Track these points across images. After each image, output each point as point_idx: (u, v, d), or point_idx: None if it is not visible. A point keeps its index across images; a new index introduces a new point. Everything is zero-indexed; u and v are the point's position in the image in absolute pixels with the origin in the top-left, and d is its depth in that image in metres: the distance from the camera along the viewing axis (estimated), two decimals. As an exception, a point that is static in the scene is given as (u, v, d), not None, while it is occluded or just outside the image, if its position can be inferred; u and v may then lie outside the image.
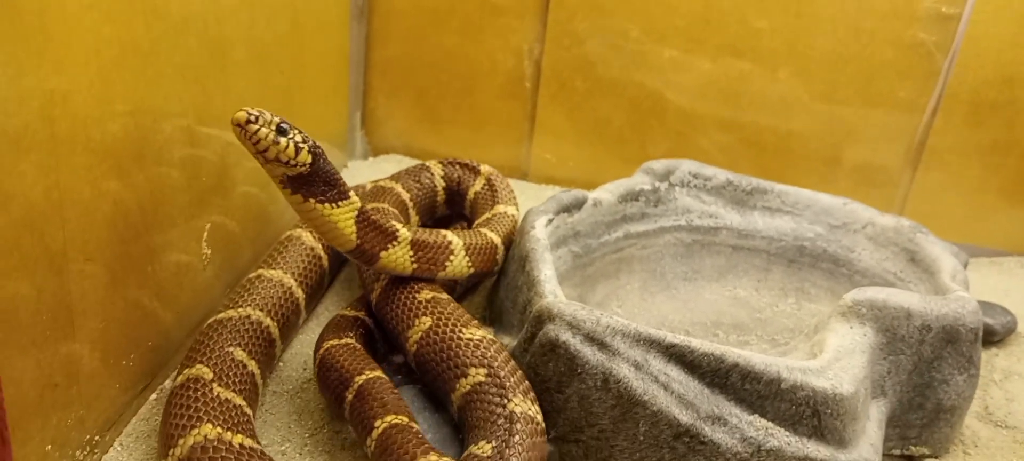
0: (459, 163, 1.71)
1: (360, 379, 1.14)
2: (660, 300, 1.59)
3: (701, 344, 1.11)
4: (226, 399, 1.04)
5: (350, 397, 1.13)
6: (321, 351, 1.22)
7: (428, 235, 1.30)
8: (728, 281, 1.65)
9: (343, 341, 1.23)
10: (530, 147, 2.09)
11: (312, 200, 1.10)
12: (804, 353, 1.25)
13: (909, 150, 1.94)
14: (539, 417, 1.11)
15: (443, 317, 1.21)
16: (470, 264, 1.34)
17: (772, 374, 1.10)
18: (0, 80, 0.82)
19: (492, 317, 1.48)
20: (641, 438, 1.10)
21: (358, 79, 2.03)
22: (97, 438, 1.07)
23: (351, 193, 1.16)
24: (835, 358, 1.16)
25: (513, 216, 1.51)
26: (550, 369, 1.15)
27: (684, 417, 1.08)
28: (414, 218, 1.69)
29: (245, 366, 1.12)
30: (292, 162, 1.04)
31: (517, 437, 1.05)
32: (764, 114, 1.96)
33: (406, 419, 1.07)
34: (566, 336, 1.13)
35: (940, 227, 1.98)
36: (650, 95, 1.98)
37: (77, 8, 0.93)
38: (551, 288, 1.23)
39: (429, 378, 1.21)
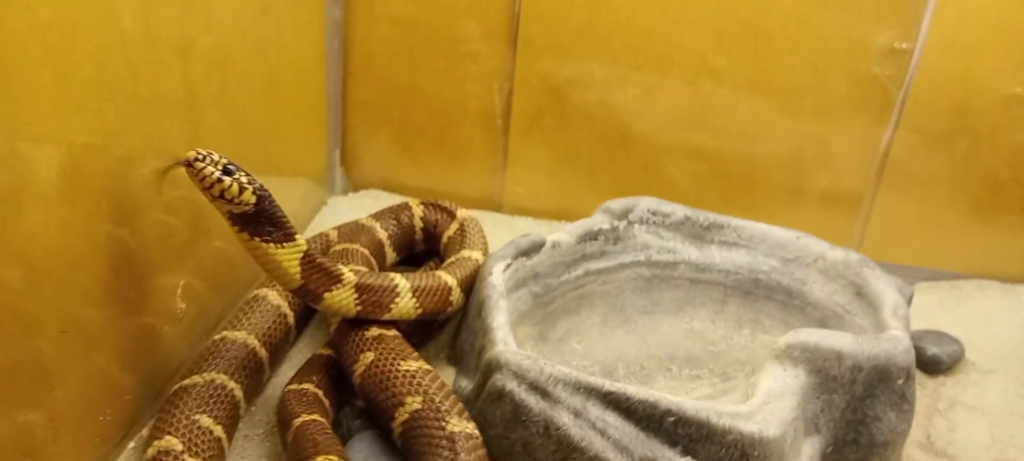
0: (438, 206, 1.82)
1: (297, 422, 1.24)
2: (619, 334, 1.67)
3: (636, 391, 1.19)
4: None
5: (289, 438, 1.24)
6: (281, 395, 1.33)
7: (373, 278, 1.39)
8: (686, 313, 1.73)
9: (300, 386, 1.34)
10: (503, 180, 2.17)
11: (257, 239, 1.22)
12: (742, 393, 1.33)
13: (869, 177, 2.01)
14: (477, 433, 1.22)
15: (384, 351, 1.32)
16: (417, 305, 1.43)
17: (702, 419, 1.18)
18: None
19: (454, 358, 1.56)
20: (580, 481, 1.18)
21: (336, 119, 2.12)
22: (76, 489, 1.17)
23: (298, 236, 1.27)
24: (764, 401, 1.23)
25: (476, 260, 1.59)
26: (497, 416, 1.23)
27: (619, 461, 1.16)
28: (391, 255, 1.80)
29: (211, 432, 1.20)
30: (236, 200, 1.16)
31: (462, 455, 1.16)
32: (728, 143, 2.03)
33: (337, 459, 1.16)
34: (512, 385, 1.21)
35: (901, 251, 2.07)
36: (617, 128, 2.06)
37: (49, 98, 1.02)
38: (502, 336, 1.31)
39: (373, 411, 1.32)
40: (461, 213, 1.79)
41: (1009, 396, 1.61)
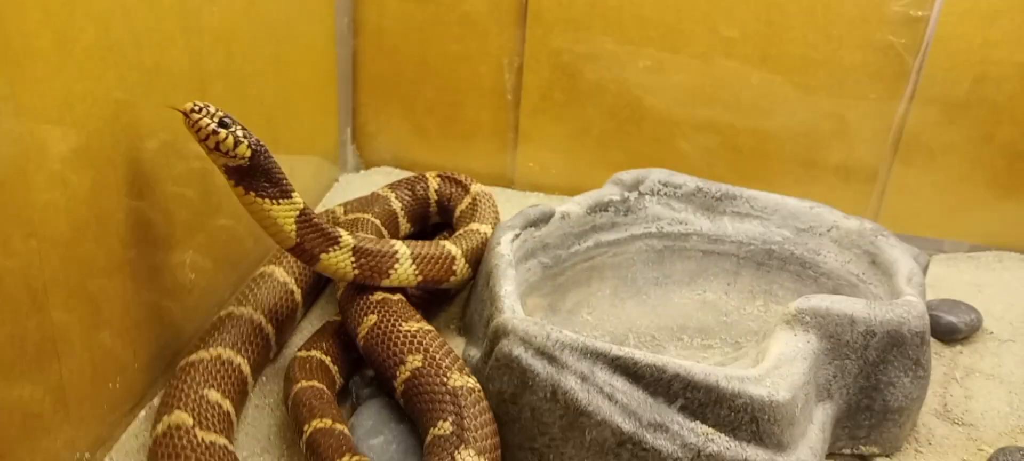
0: (454, 178, 1.82)
1: (296, 387, 1.26)
2: (630, 305, 1.66)
3: (644, 355, 1.18)
4: (210, 443, 1.13)
5: (289, 405, 1.26)
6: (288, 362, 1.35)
7: (372, 243, 1.39)
8: (698, 285, 1.71)
9: (307, 353, 1.36)
10: (515, 156, 2.16)
11: (252, 194, 1.23)
12: (752, 359, 1.31)
13: (884, 148, 1.98)
14: (478, 387, 1.23)
15: (387, 314, 1.33)
16: (417, 272, 1.43)
17: (711, 383, 1.16)
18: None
19: (464, 328, 1.56)
20: (588, 445, 1.17)
21: (347, 96, 2.12)
22: (87, 456, 1.17)
23: (295, 194, 1.28)
24: (774, 366, 1.22)
25: (484, 234, 1.58)
26: (505, 382, 1.23)
27: (627, 425, 1.15)
28: (405, 225, 1.80)
29: (221, 406, 1.21)
30: (231, 153, 1.17)
31: (467, 408, 1.18)
32: (740, 117, 2.01)
33: (330, 422, 1.17)
34: (519, 351, 1.21)
35: (918, 223, 2.04)
36: (628, 103, 2.04)
37: (50, 63, 1.02)
38: (510, 304, 1.31)
39: (377, 373, 1.33)
40: (475, 187, 1.79)
41: (1028, 365, 1.58)
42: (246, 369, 1.31)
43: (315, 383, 1.26)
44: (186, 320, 1.41)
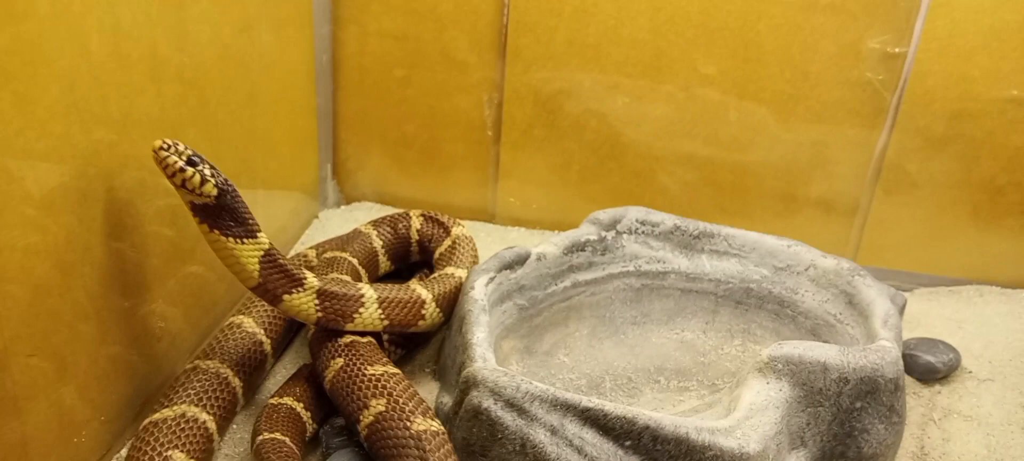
0: (436, 219, 1.83)
1: (258, 440, 1.26)
2: (607, 346, 1.65)
3: (614, 408, 1.18)
4: None
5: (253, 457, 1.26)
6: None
7: (337, 286, 1.39)
8: (676, 324, 1.71)
9: (279, 401, 1.36)
10: (495, 190, 2.16)
11: (217, 232, 1.23)
12: (725, 407, 1.31)
13: (864, 184, 1.98)
14: (442, 430, 1.22)
15: (353, 358, 1.34)
16: (383, 317, 1.43)
17: (681, 435, 1.16)
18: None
19: (438, 372, 1.55)
20: (557, 500, 1.17)
21: (327, 131, 2.12)
22: (51, 512, 1.16)
23: (261, 235, 1.28)
24: (746, 416, 1.21)
25: (459, 278, 1.57)
26: (474, 433, 1.22)
27: (596, 480, 1.15)
28: (385, 264, 1.79)
29: None
30: (198, 191, 1.18)
31: (431, 452, 1.17)
32: (720, 151, 2.01)
33: None
34: (488, 403, 1.20)
35: (899, 257, 2.04)
36: (608, 138, 2.04)
37: (11, 124, 1.02)
38: (481, 353, 1.30)
39: (343, 416, 1.33)
40: (456, 230, 1.79)
41: (1007, 405, 1.57)
42: (212, 426, 1.29)
43: (277, 435, 1.25)
44: (155, 370, 1.40)
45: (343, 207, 2.20)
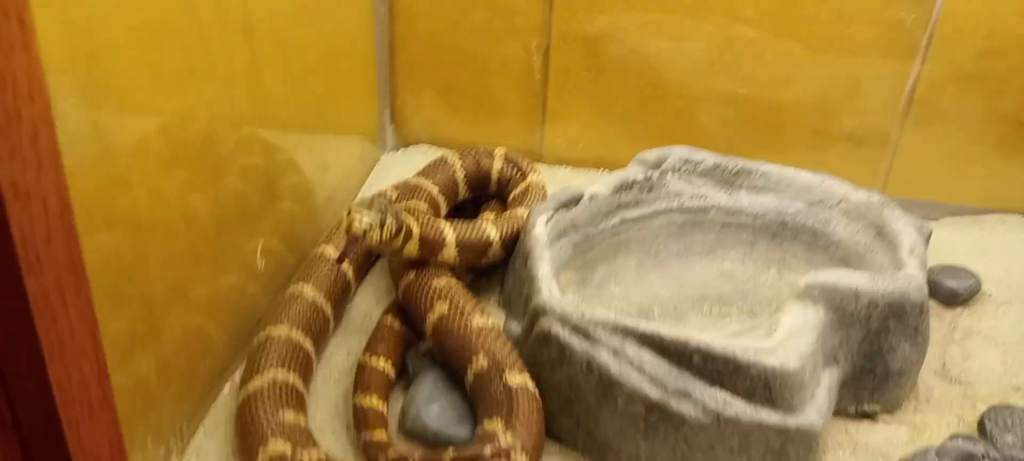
0: (516, 162, 1.95)
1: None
2: (653, 277, 1.80)
3: (669, 331, 1.33)
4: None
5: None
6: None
7: (430, 231, 1.57)
8: (717, 255, 1.84)
9: (373, 362, 1.50)
10: (543, 132, 2.29)
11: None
12: (766, 330, 1.46)
13: (894, 118, 2.09)
14: (498, 326, 1.43)
15: (454, 306, 1.48)
16: (458, 256, 1.62)
17: (729, 354, 1.31)
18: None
19: (504, 302, 1.71)
20: (620, 412, 1.33)
21: (385, 79, 2.25)
22: (184, 428, 1.35)
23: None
24: (786, 337, 1.36)
25: (521, 216, 1.72)
26: (545, 355, 1.38)
27: (654, 393, 1.31)
28: (464, 192, 1.96)
29: (289, 382, 1.36)
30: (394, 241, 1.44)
31: (490, 345, 1.39)
32: (757, 89, 2.12)
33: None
34: (557, 328, 1.36)
35: (927, 188, 2.15)
36: (649, 80, 2.16)
37: (143, 91, 1.17)
38: (547, 285, 1.45)
39: (444, 357, 1.48)
40: (532, 177, 1.92)
41: (1023, 326, 1.70)
42: (309, 347, 1.47)
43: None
44: (258, 300, 1.57)
45: (401, 150, 2.34)
